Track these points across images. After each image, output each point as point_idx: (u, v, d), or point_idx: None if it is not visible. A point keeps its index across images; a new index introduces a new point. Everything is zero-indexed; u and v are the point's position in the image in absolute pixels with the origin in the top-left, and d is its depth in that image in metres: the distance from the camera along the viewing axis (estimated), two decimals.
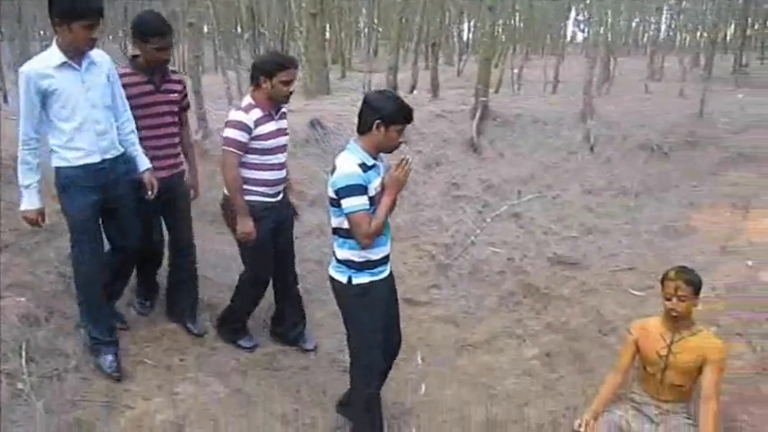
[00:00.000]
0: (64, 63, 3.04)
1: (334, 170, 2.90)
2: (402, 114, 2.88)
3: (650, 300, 4.15)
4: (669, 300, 3.19)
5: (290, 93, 3.59)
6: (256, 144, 3.55)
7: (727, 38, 15.20)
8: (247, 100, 3.56)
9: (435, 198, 5.41)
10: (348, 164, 2.86)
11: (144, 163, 3.44)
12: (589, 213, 5.38)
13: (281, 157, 3.69)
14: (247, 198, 3.61)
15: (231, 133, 3.50)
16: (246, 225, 3.62)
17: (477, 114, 6.20)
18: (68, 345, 3.51)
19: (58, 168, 3.18)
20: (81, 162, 3.18)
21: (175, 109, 3.70)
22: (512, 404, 3.80)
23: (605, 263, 4.84)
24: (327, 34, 12.91)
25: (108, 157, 3.27)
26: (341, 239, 2.99)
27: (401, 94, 6.86)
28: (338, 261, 3.03)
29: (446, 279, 4.76)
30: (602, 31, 9.23)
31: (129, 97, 3.41)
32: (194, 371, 3.59)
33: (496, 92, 9.37)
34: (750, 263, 4.64)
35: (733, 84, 8.99)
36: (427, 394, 3.88)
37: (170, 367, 3.58)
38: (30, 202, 3.18)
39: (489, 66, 6.55)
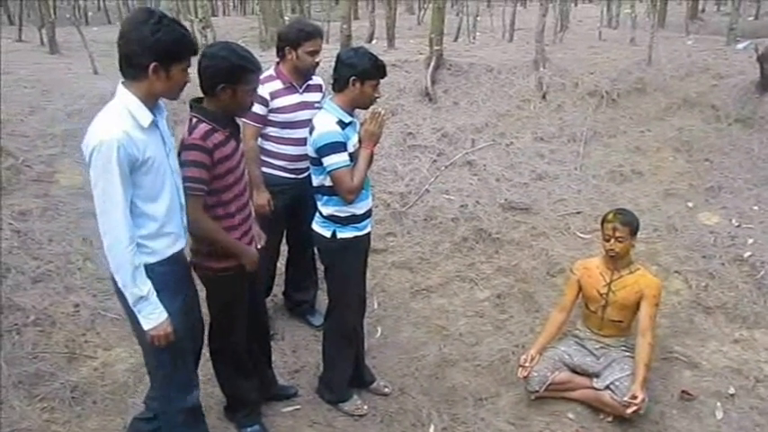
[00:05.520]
0: (153, 121, 2.26)
1: (312, 130, 2.95)
2: (376, 70, 2.95)
3: (596, 242, 4.32)
4: (608, 241, 3.37)
5: (317, 63, 3.52)
6: (274, 117, 3.48)
7: None
8: (268, 72, 3.44)
9: (391, 148, 5.45)
10: (326, 123, 2.92)
11: None
12: (540, 160, 5.50)
13: (303, 132, 3.29)
14: (263, 170, 3.54)
15: None
16: (261, 197, 3.50)
17: (432, 64, 6.21)
18: (26, 300, 3.55)
19: (144, 267, 2.28)
20: (171, 252, 2.40)
21: None
22: (464, 343, 3.98)
23: (555, 207, 5.00)
24: None
25: (187, 236, 2.56)
26: (324, 197, 3.06)
27: (358, 43, 6.82)
28: (323, 217, 3.10)
29: (401, 227, 4.86)
30: None
31: (219, 162, 2.57)
32: None
33: (455, 40, 9.32)
34: (690, 204, 4.85)
35: (685, 30, 9.12)
36: (383, 337, 4.03)
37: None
38: (159, 312, 2.30)
39: (443, 14, 6.52)
